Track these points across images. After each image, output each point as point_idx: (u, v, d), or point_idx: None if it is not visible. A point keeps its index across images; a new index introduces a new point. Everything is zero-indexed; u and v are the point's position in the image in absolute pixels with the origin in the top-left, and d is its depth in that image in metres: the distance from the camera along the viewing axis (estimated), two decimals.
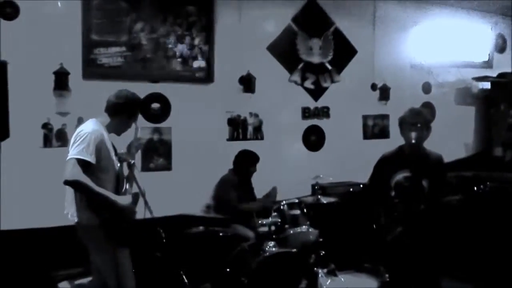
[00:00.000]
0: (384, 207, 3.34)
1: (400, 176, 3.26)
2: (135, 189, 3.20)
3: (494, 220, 4.55)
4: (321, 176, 4.76)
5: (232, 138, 5.14)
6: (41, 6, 4.16)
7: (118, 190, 3.02)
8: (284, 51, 5.44)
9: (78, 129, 2.99)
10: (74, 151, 2.84)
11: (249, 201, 4.74)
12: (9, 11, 4.05)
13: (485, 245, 4.52)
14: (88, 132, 2.90)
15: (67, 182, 2.78)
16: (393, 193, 3.27)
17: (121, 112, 3.12)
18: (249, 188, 4.89)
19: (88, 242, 3.00)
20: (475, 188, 3.21)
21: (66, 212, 3.02)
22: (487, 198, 3.96)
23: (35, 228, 4.03)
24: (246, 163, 4.77)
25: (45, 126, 4.22)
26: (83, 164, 2.81)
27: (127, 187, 3.09)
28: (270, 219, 4.23)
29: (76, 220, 2.98)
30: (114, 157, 3.07)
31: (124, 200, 2.97)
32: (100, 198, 2.85)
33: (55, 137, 4.22)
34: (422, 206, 3.20)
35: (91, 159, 2.85)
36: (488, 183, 3.15)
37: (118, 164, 3.10)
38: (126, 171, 3.23)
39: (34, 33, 4.13)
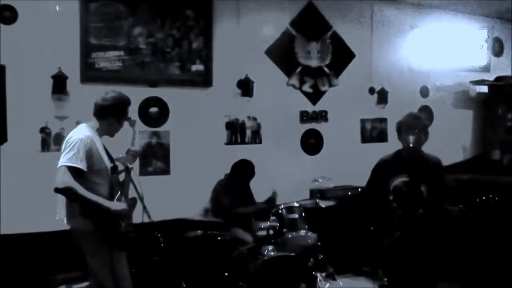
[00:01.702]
0: (382, 211, 3.34)
1: (398, 180, 3.26)
2: (132, 193, 3.19)
3: (496, 231, 4.56)
4: (320, 179, 4.76)
5: (230, 142, 5.14)
6: (39, 10, 4.16)
7: (112, 195, 3.01)
8: (282, 55, 5.45)
9: (68, 136, 2.97)
10: (64, 158, 2.82)
11: (247, 204, 4.74)
12: (8, 15, 4.05)
13: (485, 253, 4.53)
14: (78, 138, 2.88)
15: (58, 190, 2.77)
16: (391, 197, 3.27)
17: (110, 114, 3.09)
18: (247, 191, 4.89)
19: (83, 246, 2.98)
20: (478, 200, 3.20)
21: (59, 217, 3.00)
22: (490, 210, 3.95)
23: (34, 233, 4.02)
24: (242, 173, 4.75)
25: (43, 130, 4.21)
26: (73, 171, 2.79)
27: (123, 192, 3.08)
28: (268, 223, 4.23)
29: (70, 226, 2.97)
30: (107, 161, 3.04)
31: (117, 205, 2.95)
32: (92, 205, 2.82)
33: (53, 141, 4.22)
34: (421, 210, 3.21)
35: (82, 165, 2.83)
36: (491, 195, 3.14)
37: (110, 166, 3.07)
38: (123, 176, 3.23)
39: (32, 37, 4.13)
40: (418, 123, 3.25)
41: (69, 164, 2.79)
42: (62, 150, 2.90)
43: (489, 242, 4.57)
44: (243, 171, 4.74)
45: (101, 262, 2.94)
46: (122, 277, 3.01)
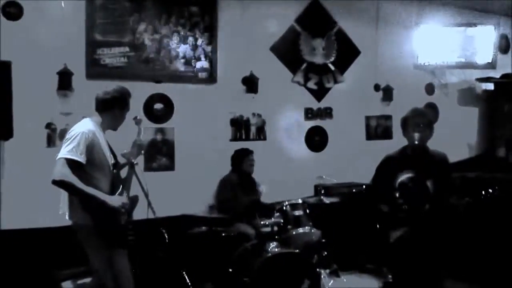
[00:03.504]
0: (388, 208, 3.33)
1: (404, 176, 3.25)
2: (137, 189, 3.19)
3: (501, 224, 4.53)
4: (324, 176, 4.76)
5: (235, 138, 5.14)
6: (45, 7, 4.17)
7: (113, 191, 3.01)
8: (287, 51, 5.44)
9: (71, 129, 2.98)
10: (64, 150, 2.83)
11: (253, 196, 4.73)
12: (13, 11, 4.06)
13: (491, 248, 4.51)
14: (79, 132, 2.89)
15: (55, 182, 2.77)
16: (397, 194, 3.26)
17: (113, 107, 3.10)
18: (252, 187, 4.88)
19: (83, 242, 2.97)
20: (483, 192, 3.17)
21: (62, 212, 3.01)
22: (495, 202, 3.92)
23: (39, 228, 4.04)
24: (239, 158, 4.79)
25: (49, 126, 4.23)
26: (72, 163, 2.79)
27: (124, 188, 3.08)
28: (272, 219, 4.24)
29: (71, 221, 2.97)
30: (108, 157, 3.05)
31: (114, 200, 2.94)
32: (89, 198, 2.81)
33: (58, 137, 4.23)
34: (427, 207, 3.19)
35: (81, 158, 2.83)
36: (496, 187, 3.12)
37: (112, 162, 3.07)
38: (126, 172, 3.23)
39: (38, 33, 4.14)
40: (423, 119, 3.23)
41: (68, 156, 2.80)
42: (63, 142, 2.91)
43: (495, 237, 4.54)
44: (242, 158, 4.78)
45: (101, 258, 2.94)
46: (123, 275, 3.01)
